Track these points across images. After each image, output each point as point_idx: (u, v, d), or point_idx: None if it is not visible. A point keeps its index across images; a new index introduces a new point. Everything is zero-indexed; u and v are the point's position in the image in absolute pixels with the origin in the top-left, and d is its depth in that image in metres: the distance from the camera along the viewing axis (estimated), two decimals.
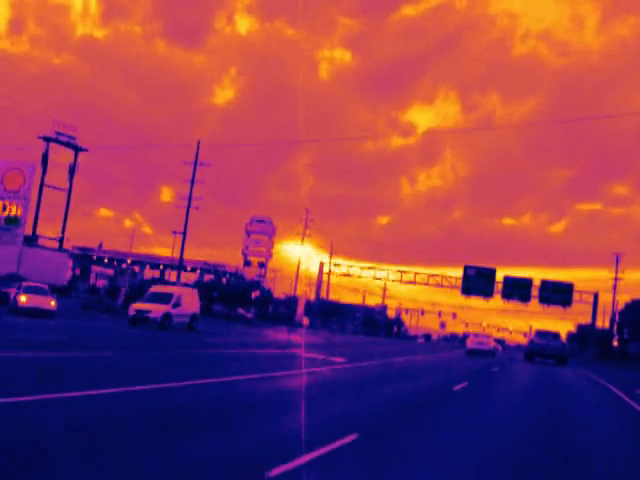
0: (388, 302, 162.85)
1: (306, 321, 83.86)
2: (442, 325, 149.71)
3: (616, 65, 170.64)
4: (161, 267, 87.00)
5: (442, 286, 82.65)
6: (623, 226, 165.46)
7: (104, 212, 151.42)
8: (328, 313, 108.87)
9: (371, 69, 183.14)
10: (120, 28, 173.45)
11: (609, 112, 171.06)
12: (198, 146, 65.93)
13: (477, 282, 79.95)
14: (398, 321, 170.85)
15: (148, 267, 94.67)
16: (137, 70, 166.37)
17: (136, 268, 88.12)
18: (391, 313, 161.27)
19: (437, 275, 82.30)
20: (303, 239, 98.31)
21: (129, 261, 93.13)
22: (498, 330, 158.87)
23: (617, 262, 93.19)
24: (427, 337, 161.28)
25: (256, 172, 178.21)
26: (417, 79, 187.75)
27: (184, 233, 65.78)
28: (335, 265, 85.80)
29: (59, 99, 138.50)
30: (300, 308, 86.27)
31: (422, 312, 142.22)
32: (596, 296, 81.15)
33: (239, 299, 64.53)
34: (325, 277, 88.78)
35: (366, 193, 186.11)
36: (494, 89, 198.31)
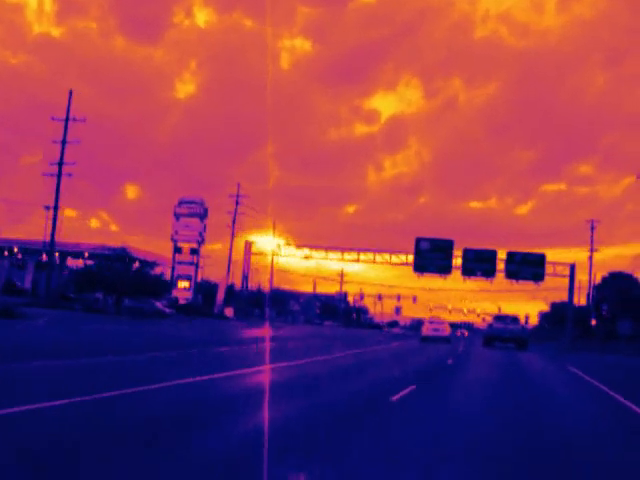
0: (351, 289, 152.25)
1: (229, 312, 70.47)
2: (397, 310, 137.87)
3: (576, 44, 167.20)
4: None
5: (391, 264, 69.65)
6: (589, 205, 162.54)
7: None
8: (275, 302, 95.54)
9: (332, 58, 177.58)
10: (77, 25, 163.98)
11: (571, 92, 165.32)
12: (70, 98, 51.95)
13: (432, 257, 67.10)
14: (358, 308, 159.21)
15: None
16: (96, 67, 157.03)
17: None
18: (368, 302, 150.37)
19: (384, 252, 69.20)
20: (235, 218, 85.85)
21: None
22: (465, 313, 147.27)
23: (592, 230, 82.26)
24: (390, 324, 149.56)
25: (219, 165, 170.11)
26: (379, 66, 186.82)
27: (55, 208, 51.86)
28: (280, 248, 72.94)
29: (18, 99, 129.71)
30: (219, 296, 72.60)
31: (379, 297, 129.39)
32: (572, 268, 68.85)
33: (132, 288, 50.48)
34: (261, 261, 76.23)
35: (331, 182, 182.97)
36: (456, 73, 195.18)
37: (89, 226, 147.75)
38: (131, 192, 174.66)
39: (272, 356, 17.98)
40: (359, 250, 69.31)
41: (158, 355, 17.17)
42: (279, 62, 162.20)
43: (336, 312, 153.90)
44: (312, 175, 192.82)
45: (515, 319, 48.93)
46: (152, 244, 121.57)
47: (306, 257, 73.28)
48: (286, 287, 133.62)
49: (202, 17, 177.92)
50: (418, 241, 67.70)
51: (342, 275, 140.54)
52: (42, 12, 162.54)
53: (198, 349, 20.61)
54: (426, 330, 52.18)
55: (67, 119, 49.60)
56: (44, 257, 60.79)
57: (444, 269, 67.49)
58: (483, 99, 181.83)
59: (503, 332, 45.46)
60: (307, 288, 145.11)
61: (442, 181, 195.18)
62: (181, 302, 75.82)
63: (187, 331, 35.72)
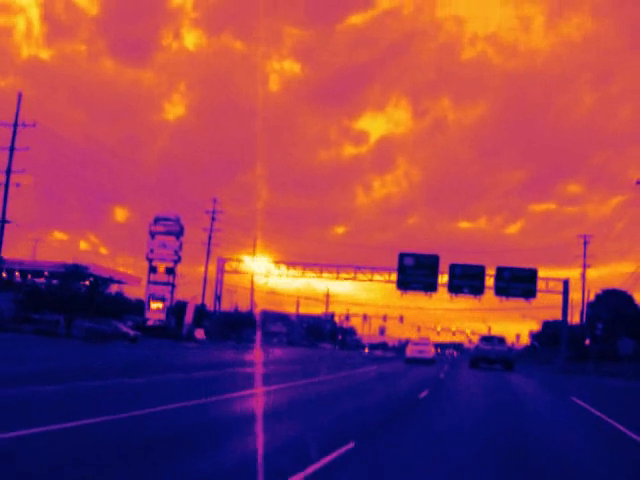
0: (338, 310, 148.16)
1: (200, 334, 65.67)
2: (382, 331, 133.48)
3: (564, 65, 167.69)
4: None
5: (372, 281, 65.29)
6: (579, 224, 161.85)
7: None
8: (249, 324, 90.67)
9: (321, 79, 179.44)
10: (65, 48, 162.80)
11: (559, 112, 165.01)
12: (19, 100, 47.61)
13: (416, 274, 62.90)
14: (344, 329, 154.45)
15: None
16: (84, 90, 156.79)
17: None
18: (356, 322, 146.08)
19: (365, 268, 64.83)
20: (211, 234, 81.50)
21: None
22: (454, 333, 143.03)
23: (585, 245, 78.34)
24: (375, 346, 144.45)
25: (206, 187, 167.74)
26: (367, 87, 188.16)
27: (2, 221, 47.34)
28: (261, 270, 68.66)
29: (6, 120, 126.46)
30: (188, 316, 67.79)
31: (364, 317, 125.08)
32: (566, 283, 64.71)
33: (85, 308, 45.56)
34: (241, 281, 71.84)
35: (320, 203, 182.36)
36: (445, 94, 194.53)
37: (75, 246, 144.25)
38: (119, 214, 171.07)
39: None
40: (339, 267, 64.99)
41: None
42: (268, 84, 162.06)
43: (322, 333, 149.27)
44: (300, 196, 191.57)
45: (502, 340, 48.11)
46: (132, 265, 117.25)
47: (280, 275, 69.09)
48: (269, 308, 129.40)
49: (191, 39, 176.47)
50: (402, 257, 63.51)
51: (327, 296, 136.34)
52: (31, 35, 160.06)
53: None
54: (410, 352, 50.95)
55: (16, 124, 45.22)
56: None
57: (429, 286, 63.26)
58: (472, 119, 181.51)
59: (490, 353, 44.68)
60: (292, 309, 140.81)
61: (431, 201, 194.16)
62: (154, 324, 71.10)
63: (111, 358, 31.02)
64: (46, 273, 65.79)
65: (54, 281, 54.57)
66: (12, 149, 45.74)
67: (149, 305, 77.92)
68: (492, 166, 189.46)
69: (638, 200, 62.85)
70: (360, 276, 64.63)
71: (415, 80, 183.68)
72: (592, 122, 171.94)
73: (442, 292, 64.47)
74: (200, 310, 71.13)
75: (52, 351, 29.43)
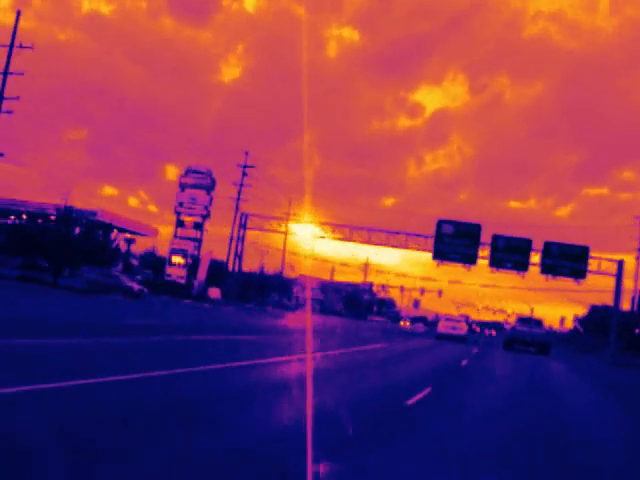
0: (376, 281, 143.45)
1: (215, 293, 61.39)
2: (415, 304, 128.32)
3: (628, 47, 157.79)
4: None
5: (407, 247, 59.99)
6: (631, 211, 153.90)
7: None
8: (276, 287, 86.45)
9: (379, 48, 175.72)
10: (126, 4, 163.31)
11: (618, 96, 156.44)
12: (17, 20, 43.22)
13: (454, 243, 57.34)
14: (381, 300, 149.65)
15: None
16: (143, 46, 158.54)
17: None
18: (394, 293, 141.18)
19: (400, 233, 59.55)
20: (240, 188, 76.99)
21: None
22: (495, 313, 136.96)
23: None
24: (416, 319, 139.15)
25: (261, 151, 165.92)
26: (425, 59, 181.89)
27: None
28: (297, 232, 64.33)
29: (64, 74, 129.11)
30: (201, 273, 63.39)
31: (401, 289, 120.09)
32: (621, 264, 58.38)
33: (73, 255, 40.82)
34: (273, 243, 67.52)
35: (370, 173, 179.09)
36: (503, 70, 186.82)
37: (119, 199, 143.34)
38: (170, 172, 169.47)
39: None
40: (370, 230, 59.80)
41: None
42: (326, 50, 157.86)
43: (359, 303, 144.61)
44: (351, 165, 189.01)
45: (539, 322, 46.86)
46: (162, 218, 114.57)
47: (318, 237, 64.51)
48: (308, 274, 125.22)
49: (251, 1, 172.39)
50: (440, 224, 57.95)
51: (366, 265, 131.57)
52: None
53: None
54: (442, 328, 50.32)
55: (12, 45, 40.88)
56: None
57: (469, 258, 57.65)
58: (529, 98, 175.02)
59: (526, 335, 43.01)
60: (329, 277, 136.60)
61: (482, 178, 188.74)
62: (173, 280, 67.09)
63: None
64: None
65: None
66: (6, 73, 41.45)
67: (170, 260, 74.04)
68: (546, 147, 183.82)
69: None
70: (393, 240, 59.34)
71: (474, 55, 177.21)
72: None
73: (483, 267, 59.06)
74: (219, 268, 66.81)
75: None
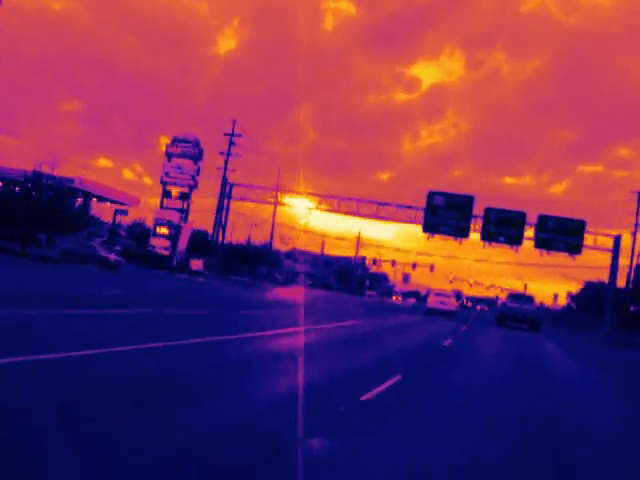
0: (368, 255, 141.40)
1: (197, 265, 59.18)
2: (405, 278, 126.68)
3: (626, 23, 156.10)
4: None
5: (397, 220, 57.77)
6: (626, 188, 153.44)
7: None
8: (264, 260, 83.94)
9: (376, 22, 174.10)
10: None
11: (615, 73, 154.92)
12: None
13: (446, 215, 55.17)
14: (373, 275, 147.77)
15: None
16: (138, 17, 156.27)
17: None
18: (386, 268, 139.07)
19: (389, 205, 57.31)
20: (227, 157, 74.42)
21: None
22: (488, 288, 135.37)
23: (639, 200, 69.42)
24: (407, 294, 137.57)
25: (258, 125, 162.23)
26: (422, 34, 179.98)
27: None
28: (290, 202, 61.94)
29: (58, 44, 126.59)
30: (181, 243, 61.04)
31: (393, 263, 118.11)
32: (618, 239, 56.39)
33: (42, 222, 38.25)
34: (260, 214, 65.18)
35: (366, 147, 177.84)
36: (500, 46, 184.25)
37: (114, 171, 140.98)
38: (165, 144, 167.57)
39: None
40: (358, 201, 57.52)
41: None
42: (322, 23, 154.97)
43: (351, 277, 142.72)
44: (346, 139, 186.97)
45: (530, 299, 46.65)
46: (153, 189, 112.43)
47: (306, 209, 62.31)
48: (300, 247, 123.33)
49: None
50: (431, 195, 55.73)
51: (359, 238, 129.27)
52: None
53: None
54: (431, 302, 50.19)
55: None
56: None
57: (460, 231, 55.54)
58: (525, 74, 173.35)
59: (517, 312, 42.74)
60: (325, 251, 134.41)
61: (478, 154, 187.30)
62: (156, 251, 64.67)
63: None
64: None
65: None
66: None
67: (155, 231, 71.65)
68: (542, 123, 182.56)
69: None
70: (382, 212, 57.12)
71: (471, 30, 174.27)
72: None
73: (477, 242, 57.01)
74: (202, 239, 64.48)
75: None
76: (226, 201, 62.55)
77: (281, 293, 46.08)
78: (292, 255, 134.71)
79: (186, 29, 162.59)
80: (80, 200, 64.86)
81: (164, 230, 71.80)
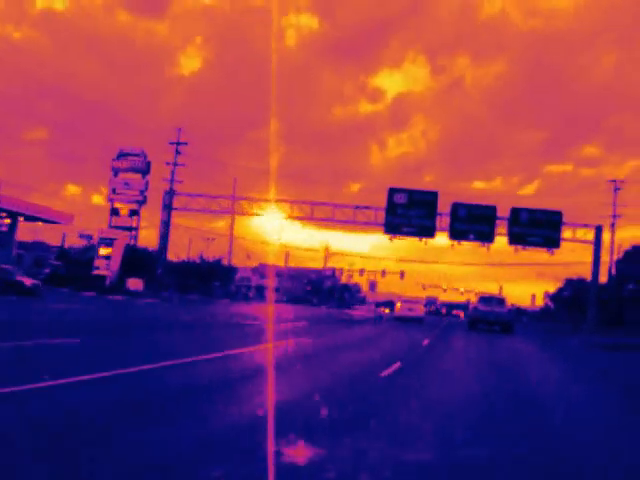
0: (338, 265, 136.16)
1: (136, 284, 53.03)
2: (372, 286, 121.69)
3: (585, 24, 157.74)
4: None
5: (355, 222, 52.24)
6: (595, 186, 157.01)
7: None
8: (219, 276, 78.11)
9: (338, 34, 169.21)
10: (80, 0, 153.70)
11: (578, 73, 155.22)
12: None
13: (409, 214, 49.92)
14: (344, 286, 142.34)
15: None
16: (99, 42, 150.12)
17: None
18: (360, 280, 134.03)
19: (346, 207, 51.89)
20: (174, 170, 68.86)
21: None
22: (462, 293, 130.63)
23: (615, 190, 65.29)
24: (379, 304, 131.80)
25: (219, 143, 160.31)
26: (385, 43, 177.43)
27: None
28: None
29: (19, 74, 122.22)
30: (114, 263, 54.85)
31: (361, 272, 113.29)
32: (599, 230, 51.46)
33: None
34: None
35: (335, 160, 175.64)
36: (463, 52, 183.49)
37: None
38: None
39: None
40: (313, 204, 51.97)
41: None
42: (284, 39, 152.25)
43: (321, 290, 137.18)
44: (314, 153, 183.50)
45: (501, 301, 44.78)
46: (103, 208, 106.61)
47: (252, 214, 56.86)
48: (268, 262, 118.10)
49: None
50: (391, 192, 50.42)
51: (327, 249, 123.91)
52: None
53: None
54: (399, 310, 49.83)
55: None
56: None
57: (425, 230, 50.26)
58: (490, 78, 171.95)
59: (488, 315, 41.58)
60: (294, 264, 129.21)
61: (447, 160, 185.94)
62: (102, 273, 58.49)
63: None
64: None
65: None
66: None
67: (98, 251, 65.52)
68: (509, 126, 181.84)
69: None
70: (338, 214, 51.64)
71: (433, 37, 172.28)
72: (611, 84, 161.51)
73: (444, 242, 51.86)
74: (142, 256, 58.50)
75: None
76: (166, 213, 56.68)
77: (228, 310, 40.28)
78: (258, 270, 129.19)
79: (147, 50, 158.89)
80: (6, 220, 58.90)
81: (108, 250, 65.73)
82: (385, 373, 11.94)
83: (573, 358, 23.05)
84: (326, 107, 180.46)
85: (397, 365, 13.65)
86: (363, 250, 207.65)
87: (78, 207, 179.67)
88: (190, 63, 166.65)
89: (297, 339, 18.71)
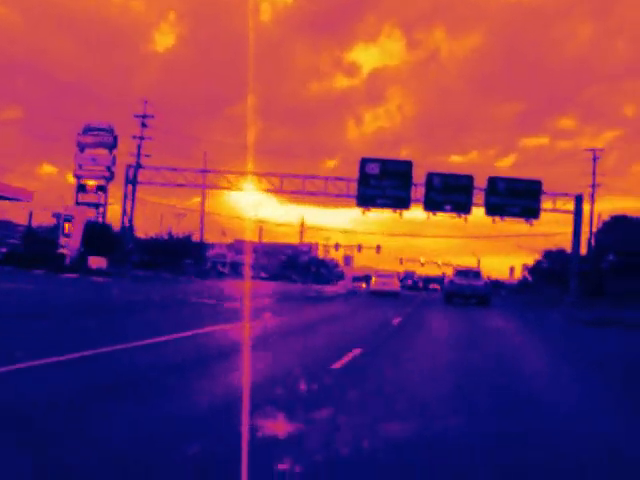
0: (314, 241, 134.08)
1: (98, 262, 50.37)
2: (347, 260, 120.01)
3: None
4: None
5: (326, 194, 49.86)
6: (572, 158, 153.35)
7: None
8: (189, 253, 75.59)
9: (313, 9, 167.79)
10: None
11: (554, 45, 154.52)
12: None
13: (382, 185, 47.67)
14: (320, 261, 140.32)
15: None
16: (72, 19, 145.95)
17: None
18: (338, 255, 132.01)
19: (317, 178, 49.52)
20: (140, 142, 66.10)
21: None
22: (439, 266, 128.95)
23: (594, 159, 63.50)
24: (356, 279, 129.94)
25: (201, 119, 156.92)
26: (360, 17, 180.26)
27: None
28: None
29: None
30: (74, 238, 52.17)
31: (336, 247, 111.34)
32: (579, 199, 49.63)
33: None
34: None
35: (310, 136, 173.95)
36: (439, 25, 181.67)
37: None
38: None
39: None
40: (282, 176, 49.52)
41: None
42: (259, 14, 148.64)
43: (297, 265, 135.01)
44: (290, 129, 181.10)
45: (477, 273, 44.59)
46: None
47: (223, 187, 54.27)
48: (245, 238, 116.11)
49: None
50: (364, 163, 48.08)
51: (302, 224, 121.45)
52: None
53: None
54: (374, 284, 50.14)
55: None
56: None
57: (400, 202, 48.05)
58: (466, 51, 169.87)
59: (464, 288, 41.07)
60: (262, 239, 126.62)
61: (423, 134, 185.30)
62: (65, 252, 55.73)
63: None
64: None
65: None
66: None
67: (63, 229, 62.75)
68: (485, 99, 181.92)
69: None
70: (309, 185, 49.28)
71: (409, 11, 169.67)
72: (586, 56, 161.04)
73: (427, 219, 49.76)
74: (106, 233, 55.84)
75: None
76: (130, 188, 53.93)
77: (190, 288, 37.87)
78: (234, 247, 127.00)
79: (121, 27, 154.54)
80: None
81: (70, 227, 62.96)
82: (337, 365, 9.67)
83: (560, 338, 20.96)
84: (302, 82, 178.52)
85: (356, 352, 11.43)
86: (339, 225, 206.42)
87: (54, 186, 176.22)
88: (164, 40, 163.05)
89: (249, 322, 16.43)
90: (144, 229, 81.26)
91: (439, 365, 11.34)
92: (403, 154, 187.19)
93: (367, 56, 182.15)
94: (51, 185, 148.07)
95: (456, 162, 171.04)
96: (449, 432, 6.21)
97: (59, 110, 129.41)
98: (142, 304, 22.16)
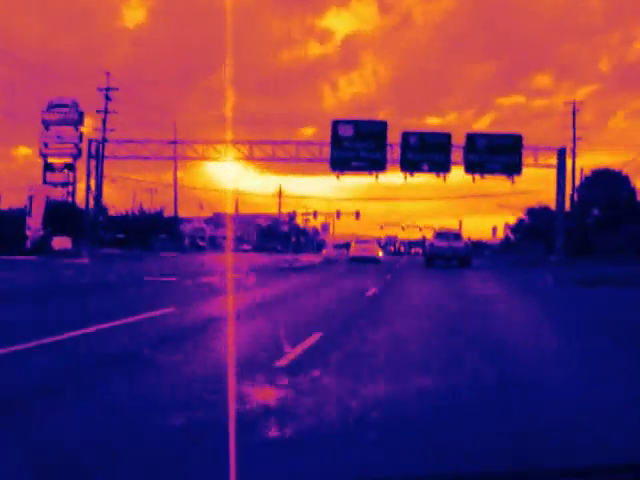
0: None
1: (62, 243, 47.89)
2: (324, 228, 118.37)
3: None
4: None
5: (298, 160, 47.61)
6: (548, 116, 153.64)
7: None
8: (163, 228, 73.27)
9: None
10: None
11: (526, 3, 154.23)
12: None
13: (356, 147, 45.53)
14: (301, 230, 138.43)
15: None
16: None
17: None
18: (317, 223, 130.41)
19: (288, 143, 47.22)
20: (105, 118, 63.71)
21: None
22: (420, 230, 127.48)
23: (574, 111, 61.64)
24: (338, 246, 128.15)
25: (174, 93, 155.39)
26: None
27: None
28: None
29: None
30: (35, 218, 49.47)
31: (314, 214, 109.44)
32: (562, 153, 47.79)
33: None
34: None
35: (286, 105, 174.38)
36: None
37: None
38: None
39: None
40: (252, 143, 47.16)
41: None
42: None
43: (277, 236, 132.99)
44: (266, 98, 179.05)
45: (457, 235, 44.12)
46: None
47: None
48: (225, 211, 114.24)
49: None
50: (336, 125, 45.84)
51: (280, 194, 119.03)
52: None
53: None
54: (354, 251, 50.15)
55: None
56: None
57: (375, 164, 46.01)
58: (438, 13, 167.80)
59: (445, 251, 40.76)
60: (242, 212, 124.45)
61: (400, 98, 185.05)
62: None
63: None
64: None
65: None
66: None
67: (31, 211, 60.15)
68: (460, 61, 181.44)
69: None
70: (280, 151, 46.99)
71: None
72: (560, 13, 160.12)
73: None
74: (69, 211, 53.37)
75: None
76: (94, 162, 51.39)
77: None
78: (212, 220, 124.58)
79: (90, 3, 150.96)
80: None
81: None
82: (281, 363, 7.52)
83: (557, 301, 18.94)
84: (275, 51, 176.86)
85: (314, 339, 9.34)
86: (317, 194, 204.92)
87: (28, 167, 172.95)
88: (133, 12, 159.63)
89: (207, 300, 14.30)
90: (118, 207, 78.76)
91: (416, 362, 9.23)
92: (380, 118, 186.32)
93: (340, 22, 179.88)
94: (25, 167, 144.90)
95: (433, 124, 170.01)
96: None
97: (29, 90, 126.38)
98: (90, 286, 19.94)
